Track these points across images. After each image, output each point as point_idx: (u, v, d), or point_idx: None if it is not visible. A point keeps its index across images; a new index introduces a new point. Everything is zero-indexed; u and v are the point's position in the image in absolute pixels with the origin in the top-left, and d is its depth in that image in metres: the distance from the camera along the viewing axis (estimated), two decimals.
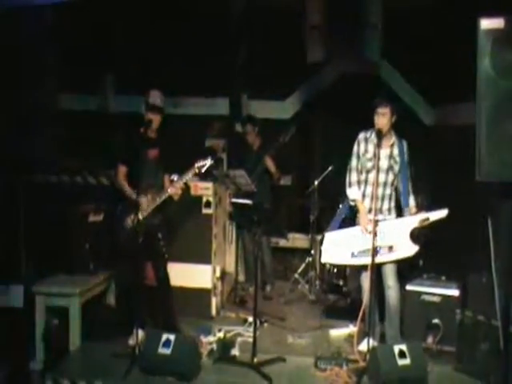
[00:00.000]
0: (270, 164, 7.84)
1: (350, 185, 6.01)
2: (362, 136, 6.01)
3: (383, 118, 5.74)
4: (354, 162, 6.02)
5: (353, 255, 5.86)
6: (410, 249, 5.66)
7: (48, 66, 5.73)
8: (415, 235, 5.71)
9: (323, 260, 6.25)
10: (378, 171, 5.63)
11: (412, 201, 5.89)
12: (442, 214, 5.65)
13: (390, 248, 5.69)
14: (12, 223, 5.90)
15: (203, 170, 5.90)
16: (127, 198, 5.94)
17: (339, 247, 5.96)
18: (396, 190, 5.95)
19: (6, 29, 5.27)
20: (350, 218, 6.09)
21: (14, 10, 5.26)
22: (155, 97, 5.96)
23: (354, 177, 6.00)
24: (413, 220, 5.72)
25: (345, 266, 6.29)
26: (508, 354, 4.92)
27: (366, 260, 5.58)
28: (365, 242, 5.71)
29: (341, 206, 7.63)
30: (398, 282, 5.84)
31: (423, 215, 5.70)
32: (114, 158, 6.20)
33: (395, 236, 5.70)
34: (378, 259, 5.65)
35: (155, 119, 5.93)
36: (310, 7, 8.86)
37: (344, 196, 6.29)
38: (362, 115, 5.88)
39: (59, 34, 5.98)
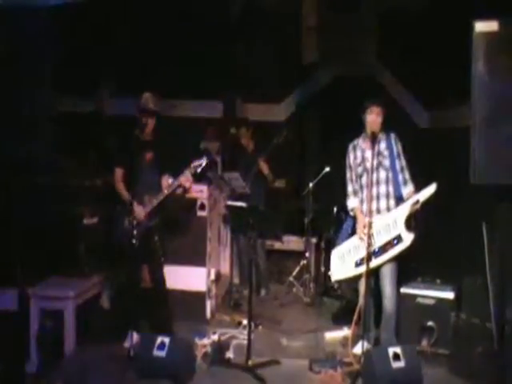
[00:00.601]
0: (263, 167, 7.84)
1: (348, 196, 6.04)
2: (350, 146, 6.05)
3: (378, 117, 5.74)
4: (347, 174, 6.06)
5: (356, 264, 5.83)
6: (405, 240, 5.59)
7: (45, 67, 5.71)
8: (410, 223, 5.66)
9: (334, 278, 6.18)
10: (372, 171, 5.61)
11: (408, 188, 5.75)
12: (430, 190, 5.52)
13: (387, 244, 5.65)
14: (6, 225, 5.89)
15: (199, 170, 5.91)
16: (123, 201, 5.96)
17: (344, 260, 5.95)
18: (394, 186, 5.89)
19: (4, 30, 5.27)
20: (353, 229, 6.04)
21: (13, 11, 5.26)
22: (147, 100, 5.99)
23: (349, 188, 6.03)
24: (404, 207, 5.64)
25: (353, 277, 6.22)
26: (502, 356, 4.93)
27: (370, 265, 5.56)
28: (365, 248, 5.68)
29: (335, 209, 7.72)
30: (396, 291, 5.82)
31: (412, 199, 5.63)
32: (110, 160, 6.20)
33: (390, 230, 5.66)
34: (377, 261, 5.63)
35: (149, 122, 5.94)
36: (306, 9, 8.90)
37: (339, 202, 6.30)
38: (356, 118, 5.89)
39: (56, 35, 5.97)
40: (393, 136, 5.87)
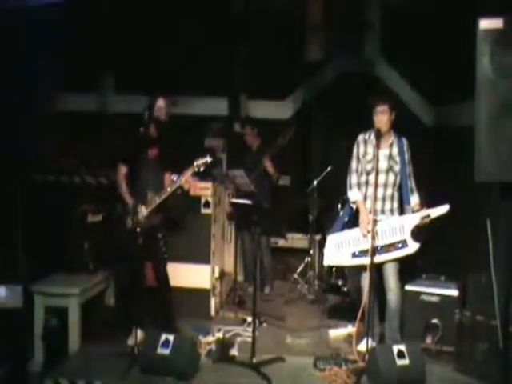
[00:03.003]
0: (268, 165, 7.84)
1: (351, 187, 6.01)
2: (361, 137, 6.00)
3: (382, 115, 5.72)
4: (353, 165, 6.02)
5: (354, 255, 5.85)
6: (410, 246, 5.62)
7: (47, 65, 5.72)
8: (416, 233, 5.67)
9: (325, 263, 6.21)
10: (377, 173, 5.62)
11: (415, 198, 5.78)
12: (443, 209, 5.56)
13: (391, 246, 5.67)
14: (11, 223, 5.89)
15: (202, 169, 5.91)
16: (124, 202, 5.97)
17: (340, 248, 5.95)
18: (400, 189, 5.89)
19: (6, 28, 5.27)
20: (353, 221, 6.04)
21: (14, 9, 5.26)
22: (160, 109, 5.98)
23: (353, 179, 6.00)
24: (414, 217, 5.66)
25: (344, 267, 6.23)
26: (507, 353, 4.92)
27: (367, 260, 5.55)
28: (366, 242, 5.68)
29: (340, 206, 7.71)
30: (399, 284, 5.83)
31: (424, 212, 5.64)
32: (113, 157, 6.20)
33: (396, 234, 5.68)
34: (379, 258, 5.64)
35: (155, 129, 5.97)
36: (309, 6, 8.88)
37: (344, 197, 6.28)
38: (360, 114, 5.88)
39: (58, 33, 5.98)
40: (405, 142, 5.86)
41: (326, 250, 6.11)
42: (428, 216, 5.59)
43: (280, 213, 8.20)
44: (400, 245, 5.63)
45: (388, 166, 5.80)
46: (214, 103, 9.83)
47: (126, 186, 6.00)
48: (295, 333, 6.65)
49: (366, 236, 5.74)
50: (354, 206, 6.01)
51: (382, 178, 5.77)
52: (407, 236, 5.62)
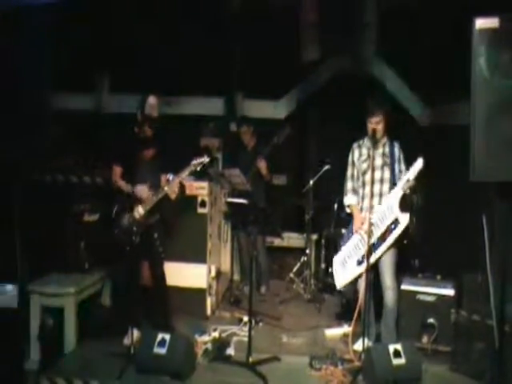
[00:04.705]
0: (262, 166, 7.82)
1: (346, 193, 6.08)
2: (355, 144, 6.09)
3: (377, 125, 5.75)
4: (349, 171, 6.09)
5: (359, 262, 5.83)
6: (402, 222, 5.59)
7: (43, 65, 5.71)
8: (404, 204, 5.64)
9: (338, 286, 6.14)
10: (373, 170, 5.62)
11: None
12: (417, 166, 5.52)
13: (385, 233, 5.64)
14: (6, 223, 5.88)
15: (199, 168, 5.90)
16: (124, 195, 5.94)
17: (346, 263, 5.95)
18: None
19: (2, 28, 5.26)
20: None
21: (10, 9, 5.25)
22: (152, 108, 5.95)
23: (348, 185, 6.08)
24: (396, 191, 5.65)
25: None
26: (503, 353, 4.93)
27: (371, 260, 5.57)
28: (364, 246, 5.68)
29: (336, 206, 7.73)
30: (396, 281, 5.84)
31: (402, 180, 5.64)
32: (109, 157, 6.19)
33: (387, 218, 5.67)
34: (378, 253, 5.67)
35: (149, 127, 5.95)
36: (305, 6, 8.88)
37: (337, 196, 6.27)
38: (356, 114, 5.88)
39: (54, 33, 5.96)
40: (396, 145, 5.91)
41: (334, 272, 6.10)
42: (408, 180, 5.58)
43: (276, 212, 8.19)
44: (393, 226, 5.62)
45: (383, 162, 5.86)
46: (209, 103, 9.81)
47: (121, 180, 5.99)
48: (291, 332, 6.65)
49: (361, 237, 5.75)
50: (349, 210, 6.04)
51: (378, 174, 5.80)
52: (396, 213, 5.60)
